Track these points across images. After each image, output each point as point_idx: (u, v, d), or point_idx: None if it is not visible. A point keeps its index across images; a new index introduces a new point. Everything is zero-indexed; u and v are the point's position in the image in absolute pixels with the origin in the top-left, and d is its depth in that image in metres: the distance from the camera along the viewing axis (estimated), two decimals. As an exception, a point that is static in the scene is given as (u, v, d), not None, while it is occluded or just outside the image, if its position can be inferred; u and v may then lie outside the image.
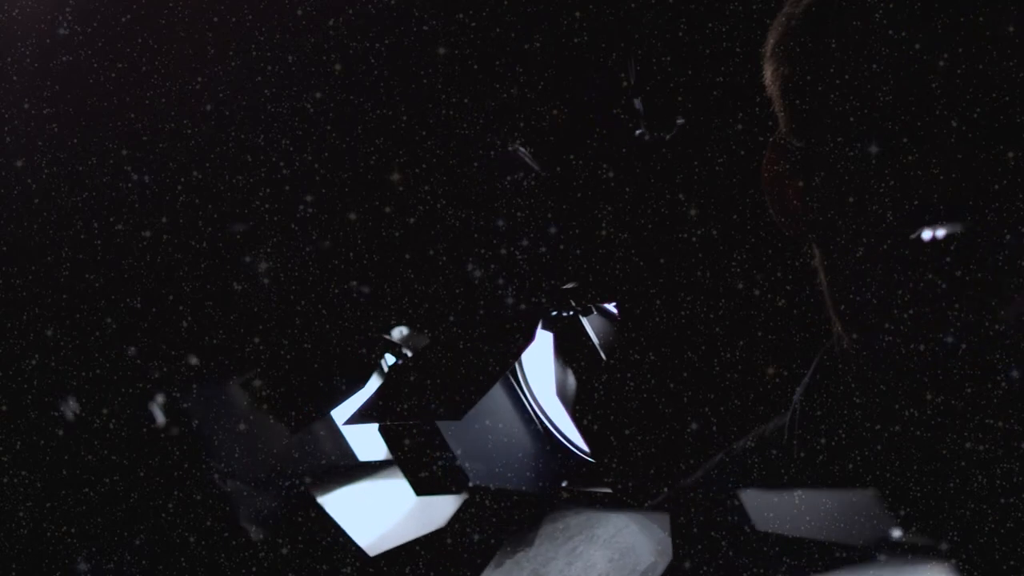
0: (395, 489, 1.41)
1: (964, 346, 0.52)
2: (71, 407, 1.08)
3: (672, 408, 1.13)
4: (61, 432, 1.07)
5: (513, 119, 1.10)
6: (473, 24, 1.05)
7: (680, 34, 1.09)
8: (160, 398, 1.15)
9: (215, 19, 1.02)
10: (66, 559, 1.04)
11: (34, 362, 1.08)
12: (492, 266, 1.13)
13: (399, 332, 1.39)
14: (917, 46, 0.52)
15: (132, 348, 1.11)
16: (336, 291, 1.17)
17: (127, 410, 1.11)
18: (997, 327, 0.51)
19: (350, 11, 1.05)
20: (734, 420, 1.11)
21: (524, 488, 1.13)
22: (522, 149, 1.11)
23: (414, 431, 1.20)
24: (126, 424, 1.11)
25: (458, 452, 1.16)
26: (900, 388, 0.59)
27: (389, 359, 1.48)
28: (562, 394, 1.24)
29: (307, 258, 1.13)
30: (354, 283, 1.17)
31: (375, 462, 1.50)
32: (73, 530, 1.05)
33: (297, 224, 1.12)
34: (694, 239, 1.07)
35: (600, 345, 1.23)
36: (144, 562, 1.07)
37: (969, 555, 0.56)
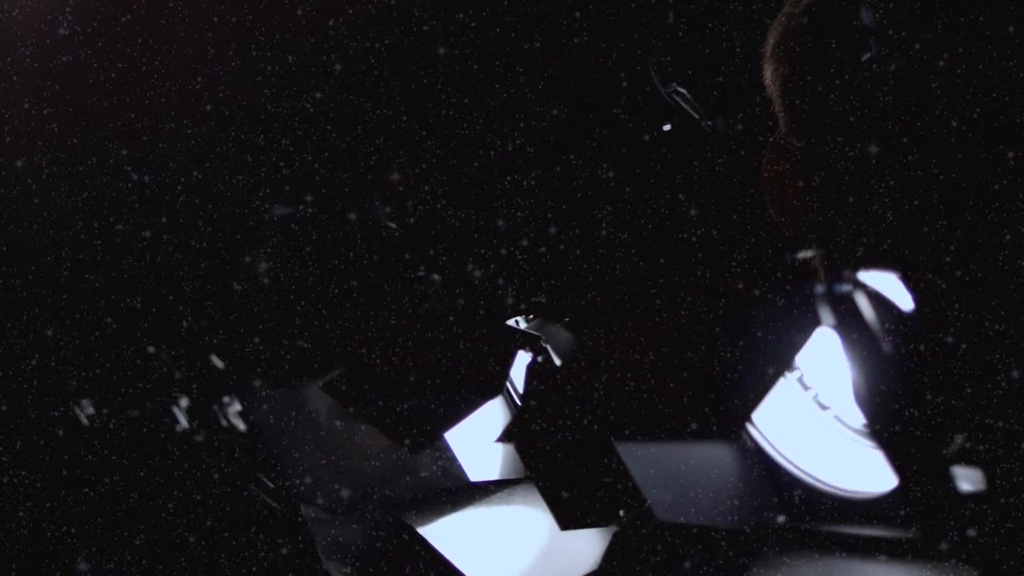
0: (518, 518, 1.12)
1: (964, 346, 0.52)
2: (85, 410, 1.07)
3: (672, 408, 1.13)
4: (61, 432, 1.07)
5: (513, 119, 1.10)
6: (473, 24, 1.05)
7: (680, 34, 1.09)
8: (184, 400, 1.11)
9: (215, 19, 1.02)
10: (66, 559, 1.04)
11: (34, 362, 1.07)
12: (492, 266, 1.12)
13: (518, 322, 1.16)
14: (917, 46, 0.52)
15: (133, 348, 1.11)
16: (420, 280, 1.04)
17: (127, 410, 1.11)
18: (997, 327, 0.51)
19: (350, 11, 1.05)
20: (734, 420, 1.09)
21: (720, 523, 0.85)
22: (681, 90, 0.99)
23: (574, 449, 0.92)
24: (126, 424, 1.11)
25: (639, 478, 0.87)
26: (900, 388, 0.59)
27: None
28: (861, 400, 0.94)
29: (307, 258, 1.13)
30: (424, 271, 1.05)
31: (489, 483, 1.18)
32: (73, 530, 1.05)
33: (297, 224, 1.12)
34: (694, 239, 1.06)
35: (878, 332, 0.96)
36: (144, 562, 1.07)
37: (969, 555, 0.56)
